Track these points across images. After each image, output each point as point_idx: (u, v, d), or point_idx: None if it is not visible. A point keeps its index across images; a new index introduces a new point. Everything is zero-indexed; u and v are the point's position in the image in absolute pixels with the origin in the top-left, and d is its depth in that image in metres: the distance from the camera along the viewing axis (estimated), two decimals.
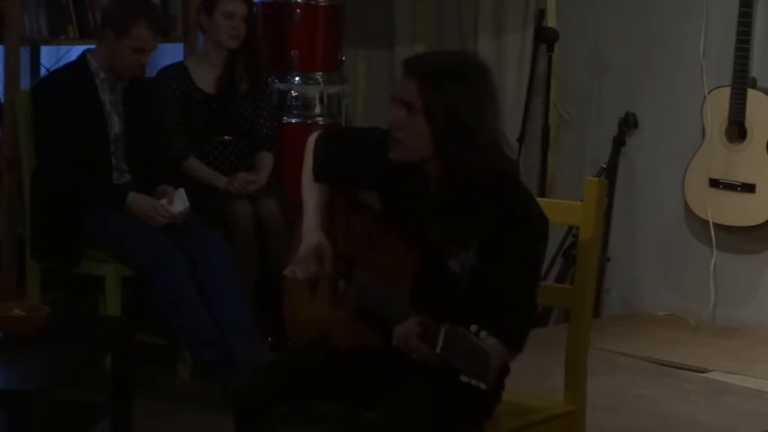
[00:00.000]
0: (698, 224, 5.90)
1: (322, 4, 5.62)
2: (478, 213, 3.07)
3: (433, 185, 3.14)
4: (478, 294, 3.01)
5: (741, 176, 5.67)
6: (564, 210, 3.50)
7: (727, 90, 5.63)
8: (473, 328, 2.85)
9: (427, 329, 2.93)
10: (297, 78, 5.58)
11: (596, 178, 3.53)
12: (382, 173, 3.20)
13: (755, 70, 5.67)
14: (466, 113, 3.03)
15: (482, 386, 2.82)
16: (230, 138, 5.20)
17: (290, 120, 5.57)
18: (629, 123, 6.05)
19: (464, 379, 2.83)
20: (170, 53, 5.53)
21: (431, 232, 3.10)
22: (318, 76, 5.62)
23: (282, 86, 5.57)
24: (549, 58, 6.09)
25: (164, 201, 4.73)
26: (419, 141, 3.06)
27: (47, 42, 5.27)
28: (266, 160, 5.24)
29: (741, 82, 5.59)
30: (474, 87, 3.06)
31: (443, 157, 3.07)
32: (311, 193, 3.32)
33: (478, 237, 3.05)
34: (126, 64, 4.75)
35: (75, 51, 5.04)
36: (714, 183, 5.73)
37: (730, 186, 5.69)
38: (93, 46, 4.86)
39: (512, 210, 3.08)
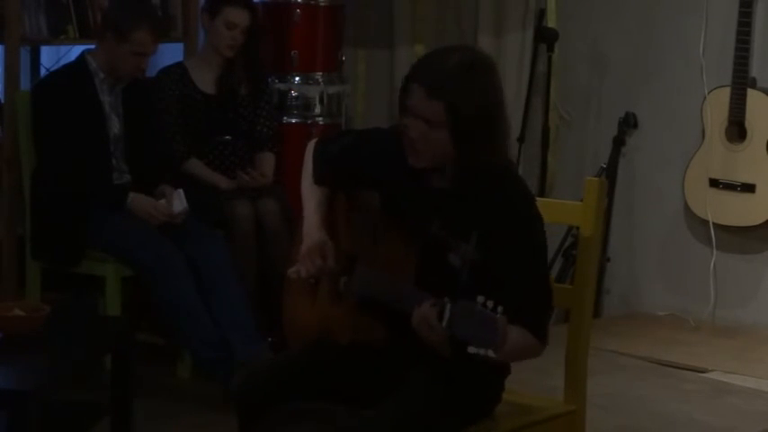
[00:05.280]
0: (698, 224, 5.90)
1: (322, 4, 5.62)
2: (479, 207, 3.08)
3: (439, 181, 3.14)
4: (480, 287, 3.02)
5: (741, 176, 5.66)
6: (564, 210, 3.50)
7: (727, 90, 5.63)
8: (479, 299, 2.85)
9: (439, 308, 2.94)
10: (297, 78, 5.58)
11: (596, 178, 3.53)
12: (381, 171, 3.20)
13: (755, 70, 5.66)
14: (491, 112, 3.04)
15: (490, 354, 2.82)
16: (230, 138, 5.20)
17: (290, 120, 5.57)
18: (629, 123, 6.04)
19: (472, 350, 2.83)
20: (170, 53, 5.52)
21: (431, 225, 3.11)
22: (318, 76, 5.62)
23: (282, 86, 5.57)
24: (549, 58, 6.09)
25: (162, 201, 4.74)
26: (441, 150, 3.06)
27: (47, 42, 5.26)
28: (268, 160, 5.25)
29: (741, 82, 5.59)
30: (490, 85, 3.06)
31: (465, 160, 3.07)
32: (311, 195, 3.33)
33: (479, 229, 3.05)
34: (126, 67, 4.75)
35: (75, 51, 5.03)
36: (714, 183, 5.73)
37: (730, 186, 5.69)
38: (92, 46, 4.85)
39: (513, 203, 3.09)
